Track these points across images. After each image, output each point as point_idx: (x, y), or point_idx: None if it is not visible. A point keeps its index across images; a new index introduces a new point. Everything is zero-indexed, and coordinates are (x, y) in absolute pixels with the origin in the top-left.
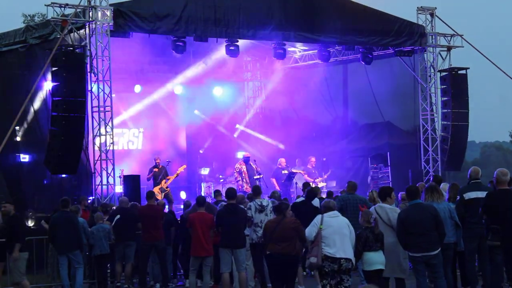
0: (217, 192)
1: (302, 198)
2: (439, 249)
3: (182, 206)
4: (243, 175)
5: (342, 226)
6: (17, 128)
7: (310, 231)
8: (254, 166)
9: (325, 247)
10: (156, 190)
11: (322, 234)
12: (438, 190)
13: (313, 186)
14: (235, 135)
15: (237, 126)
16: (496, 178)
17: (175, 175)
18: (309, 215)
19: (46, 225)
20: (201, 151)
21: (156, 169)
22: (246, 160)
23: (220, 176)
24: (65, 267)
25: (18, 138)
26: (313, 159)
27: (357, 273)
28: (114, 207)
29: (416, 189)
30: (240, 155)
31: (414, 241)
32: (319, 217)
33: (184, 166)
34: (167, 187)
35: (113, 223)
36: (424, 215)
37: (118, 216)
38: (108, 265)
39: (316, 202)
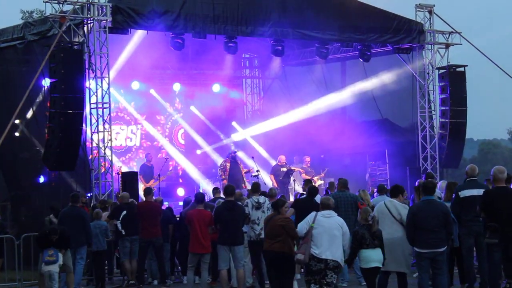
0: (215, 190)
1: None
2: (446, 246)
3: (180, 203)
4: (226, 173)
5: (333, 227)
6: (17, 121)
7: (301, 227)
8: (240, 165)
9: (313, 246)
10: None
11: (312, 233)
12: None
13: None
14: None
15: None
16: (493, 176)
17: (161, 178)
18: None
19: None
20: (198, 152)
21: (148, 164)
22: (232, 157)
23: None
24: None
25: (17, 134)
26: (308, 158)
27: (353, 270)
28: (118, 203)
29: (432, 185)
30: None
31: (423, 237)
32: (313, 214)
33: (171, 172)
34: (154, 188)
35: (120, 218)
36: (435, 212)
37: (125, 212)
38: (106, 262)
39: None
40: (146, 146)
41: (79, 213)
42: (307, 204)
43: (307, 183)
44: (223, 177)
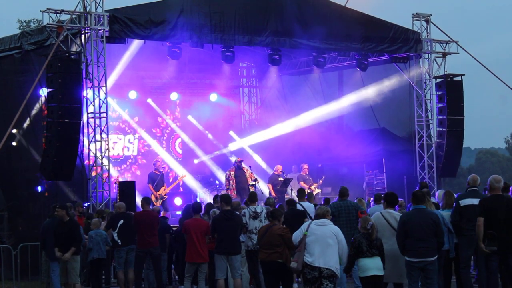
0: (215, 198)
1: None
2: (436, 256)
3: (178, 212)
4: (231, 182)
5: (327, 235)
6: (14, 131)
7: (295, 236)
8: (247, 172)
9: (306, 254)
10: (153, 197)
11: (305, 241)
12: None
13: (308, 192)
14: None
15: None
16: (490, 184)
17: (174, 184)
18: (294, 221)
19: None
20: (195, 161)
21: (156, 172)
22: (238, 166)
23: (217, 182)
24: (57, 273)
25: (14, 143)
26: (305, 166)
27: (351, 280)
28: (114, 212)
29: (422, 194)
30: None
31: (413, 246)
32: (307, 223)
33: (185, 175)
34: (165, 195)
35: (117, 228)
36: (426, 220)
37: (122, 221)
38: (103, 271)
39: (311, 208)
40: (144, 152)
41: None
42: (290, 214)
43: (300, 192)
44: (227, 186)
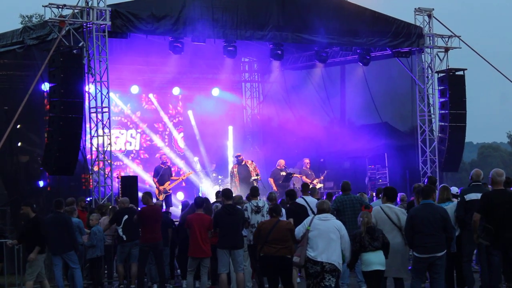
0: (217, 194)
1: (301, 199)
2: (445, 251)
3: (180, 207)
4: (234, 179)
5: (330, 230)
6: (16, 126)
7: (298, 231)
8: (251, 166)
9: (309, 248)
10: (156, 191)
11: (308, 236)
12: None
13: (311, 187)
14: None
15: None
16: (492, 178)
17: (180, 179)
18: (299, 215)
19: None
20: (195, 159)
21: (163, 165)
22: (238, 161)
23: (219, 177)
24: (59, 267)
25: (17, 138)
26: (307, 160)
27: (354, 274)
28: (118, 208)
29: (430, 189)
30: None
31: (421, 241)
32: (309, 218)
33: (192, 172)
34: (169, 190)
35: (122, 223)
36: (434, 215)
37: (126, 216)
38: (106, 266)
39: (314, 203)
40: (146, 147)
41: (63, 219)
42: (295, 207)
43: (304, 187)
44: (233, 183)
